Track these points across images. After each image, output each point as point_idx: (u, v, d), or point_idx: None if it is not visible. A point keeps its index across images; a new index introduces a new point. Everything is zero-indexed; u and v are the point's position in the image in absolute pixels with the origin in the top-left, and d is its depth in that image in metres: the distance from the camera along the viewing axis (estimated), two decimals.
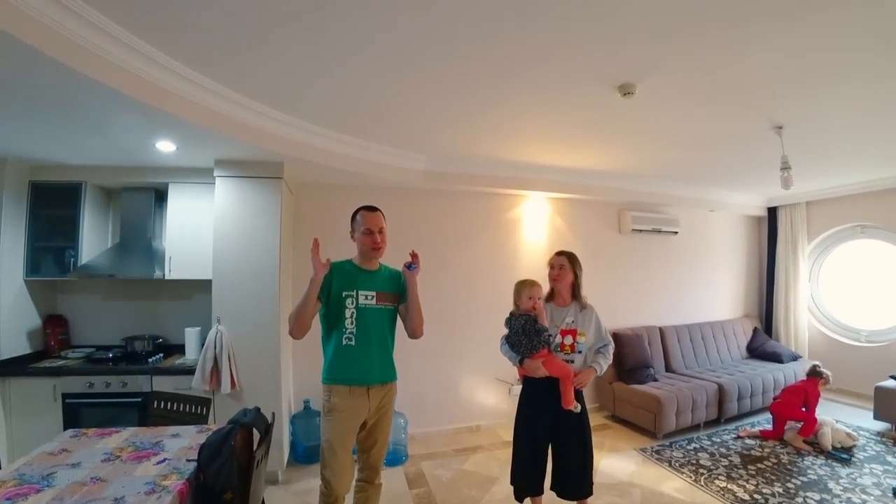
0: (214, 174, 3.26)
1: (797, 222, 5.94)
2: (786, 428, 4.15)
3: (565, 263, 2.69)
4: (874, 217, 5.30)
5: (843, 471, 3.51)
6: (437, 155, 3.98)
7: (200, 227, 3.40)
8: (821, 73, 2.45)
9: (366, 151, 3.63)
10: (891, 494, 3.14)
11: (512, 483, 2.73)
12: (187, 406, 2.67)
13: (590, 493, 2.69)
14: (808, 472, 3.50)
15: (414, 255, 2.33)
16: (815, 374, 4.23)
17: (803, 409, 4.08)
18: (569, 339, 2.61)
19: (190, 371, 3.14)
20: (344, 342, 2.16)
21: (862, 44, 2.14)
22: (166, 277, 3.43)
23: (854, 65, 2.36)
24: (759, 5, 1.84)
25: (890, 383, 4.36)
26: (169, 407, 2.67)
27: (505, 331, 2.70)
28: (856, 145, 3.77)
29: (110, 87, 2.03)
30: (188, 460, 1.93)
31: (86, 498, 1.58)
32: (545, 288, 2.77)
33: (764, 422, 4.51)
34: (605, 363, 2.65)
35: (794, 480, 3.35)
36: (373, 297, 2.23)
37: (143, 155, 3.15)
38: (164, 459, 1.95)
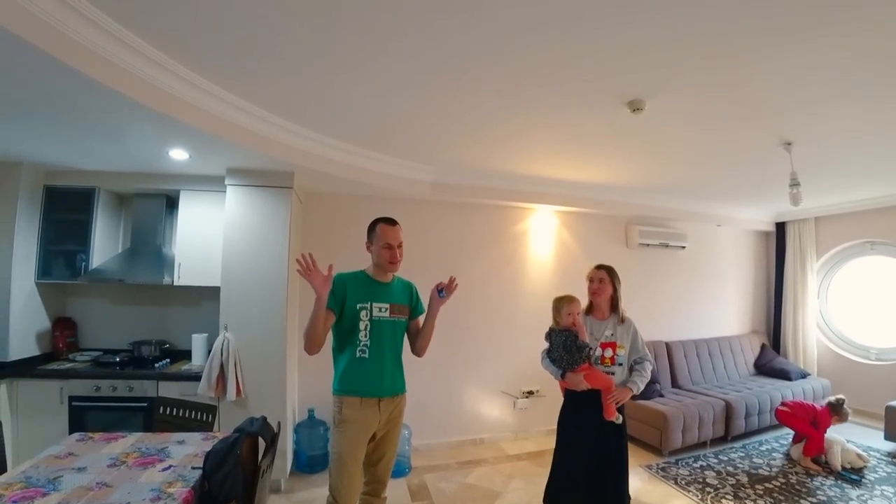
0: (226, 182, 3.30)
1: (806, 238, 5.90)
2: (792, 444, 4.09)
3: (605, 277, 2.75)
4: (884, 233, 5.25)
5: (854, 492, 3.45)
6: (446, 167, 4.01)
7: (210, 234, 3.44)
8: (827, 93, 2.46)
9: (375, 163, 3.66)
10: None
11: (547, 494, 2.75)
12: (193, 412, 2.68)
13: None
14: (818, 492, 3.44)
15: (451, 282, 2.35)
16: (834, 407, 4.02)
17: (811, 425, 3.98)
18: (609, 352, 2.65)
19: (196, 377, 3.15)
20: (358, 354, 2.16)
21: (866, 64, 2.16)
22: (175, 283, 3.46)
23: (860, 84, 2.37)
24: (766, 29, 1.86)
25: None
26: (174, 413, 2.68)
27: (545, 344, 2.77)
28: (864, 162, 3.76)
29: (125, 96, 2.06)
30: (193, 468, 1.93)
31: (91, 503, 1.59)
32: (584, 301, 2.81)
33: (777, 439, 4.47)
34: (640, 382, 2.66)
35: (802, 501, 3.30)
36: (387, 309, 2.23)
37: (156, 162, 3.20)
38: (170, 466, 1.96)
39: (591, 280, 2.78)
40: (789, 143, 3.23)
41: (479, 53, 2.10)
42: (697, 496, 3.37)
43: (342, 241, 3.88)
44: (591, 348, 2.61)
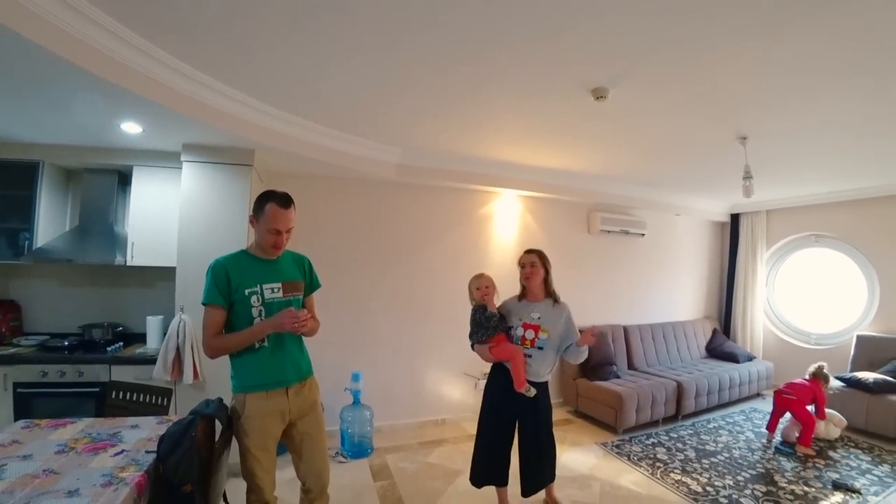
0: (182, 159, 3.17)
1: (757, 229, 6.20)
2: (781, 425, 4.26)
3: (536, 261, 2.76)
4: (828, 227, 5.58)
5: (789, 464, 3.71)
6: (412, 149, 3.97)
7: (165, 213, 3.30)
8: (783, 91, 2.57)
9: (339, 142, 3.59)
10: (830, 487, 3.34)
11: (471, 471, 2.81)
12: (148, 396, 2.61)
13: (551, 480, 2.82)
14: (757, 465, 3.68)
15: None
16: (821, 376, 4.21)
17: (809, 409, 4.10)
18: (530, 334, 2.68)
19: (151, 361, 3.05)
20: (256, 345, 1.98)
21: (820, 67, 2.26)
22: (128, 264, 3.32)
23: (813, 85, 2.49)
24: (727, 26, 1.92)
25: (835, 384, 4.61)
26: (128, 397, 2.60)
27: None
28: (813, 159, 3.96)
29: (71, 62, 1.93)
30: (147, 452, 1.88)
31: (37, 491, 1.53)
32: (515, 288, 2.84)
33: (738, 418, 4.74)
34: (581, 357, 2.73)
35: (743, 473, 3.52)
36: (279, 289, 2.04)
37: (107, 135, 3.04)
38: (122, 451, 1.90)
39: (522, 265, 2.81)
40: (745, 138, 3.36)
41: (447, 39, 2.08)
42: (648, 471, 3.55)
43: (304, 222, 3.81)
44: (496, 318, 2.68)
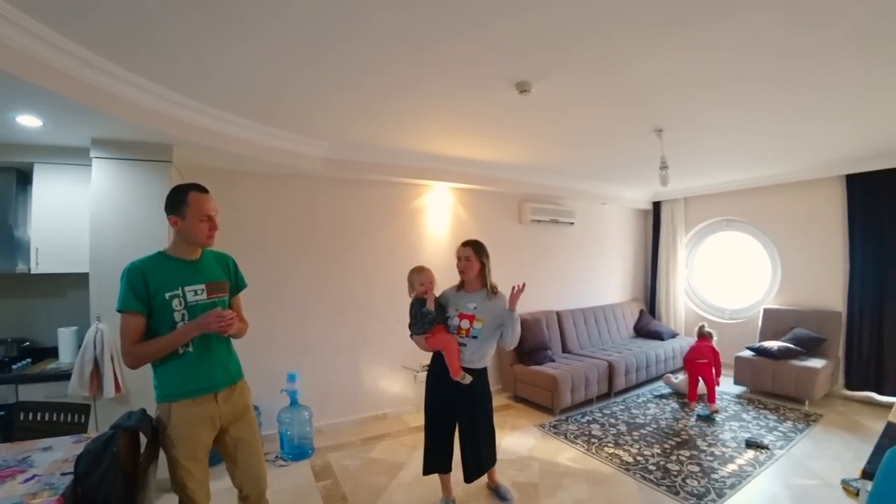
0: (91, 155, 2.92)
1: (677, 216, 6.68)
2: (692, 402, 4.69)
3: (471, 254, 2.80)
4: (737, 212, 6.13)
5: (709, 429, 4.05)
6: (340, 143, 3.90)
7: (74, 214, 3.04)
8: (694, 85, 2.76)
9: (264, 136, 3.45)
10: (743, 445, 3.69)
11: (424, 462, 2.85)
12: (62, 415, 2.39)
13: (492, 464, 2.91)
14: (682, 433, 3.99)
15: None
16: (706, 334, 4.76)
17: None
18: (465, 324, 2.74)
19: (65, 376, 2.81)
20: (181, 351, 1.87)
21: (728, 64, 2.45)
22: (33, 272, 3.03)
23: (721, 81, 2.69)
24: (641, 23, 2.02)
25: (746, 353, 5.09)
26: (39, 418, 2.37)
27: None
28: (722, 150, 4.30)
29: None
30: (63, 474, 1.74)
31: None
32: (454, 276, 2.88)
33: (665, 391, 5.13)
34: (515, 328, 2.72)
35: (669, 441, 3.81)
36: (202, 291, 1.94)
37: (1, 129, 2.74)
38: (34, 476, 1.74)
39: (458, 258, 2.84)
40: (660, 130, 3.60)
41: (373, 30, 2.06)
42: (584, 447, 3.75)
43: (230, 220, 3.66)
44: (433, 314, 2.74)
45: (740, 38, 2.17)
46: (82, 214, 2.98)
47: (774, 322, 5.40)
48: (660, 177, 3.79)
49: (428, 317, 2.73)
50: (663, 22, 2.03)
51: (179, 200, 1.90)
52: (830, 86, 2.78)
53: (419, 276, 2.79)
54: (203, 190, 1.95)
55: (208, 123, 3.05)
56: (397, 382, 4.63)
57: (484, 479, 2.99)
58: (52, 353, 3.21)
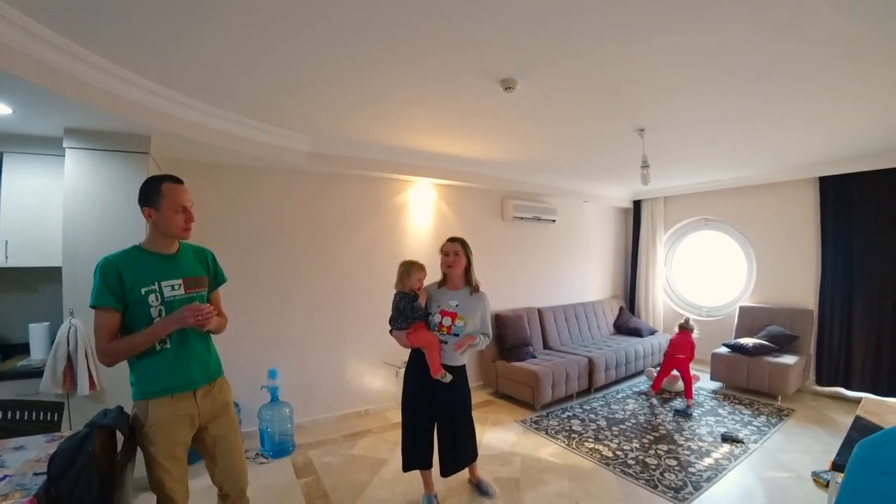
0: (64, 145, 2.82)
1: (657, 215, 6.79)
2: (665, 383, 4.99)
3: (459, 250, 2.80)
4: (715, 212, 6.25)
5: (686, 424, 4.14)
6: (323, 137, 3.85)
7: (46, 206, 2.94)
8: (675, 86, 2.80)
9: (245, 129, 3.39)
10: (719, 440, 3.78)
11: (402, 459, 2.84)
12: (34, 413, 2.31)
13: (472, 460, 2.92)
14: (660, 427, 4.07)
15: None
16: (688, 327, 4.94)
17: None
18: (447, 321, 2.73)
19: (37, 373, 2.72)
20: (158, 347, 1.83)
21: (708, 64, 2.48)
22: (2, 265, 2.92)
23: (701, 82, 2.72)
24: (624, 23, 2.04)
25: (722, 350, 5.20)
26: (10, 416, 2.29)
27: None
28: (701, 151, 4.38)
29: None
30: (36, 474, 1.68)
31: None
32: (437, 274, 2.88)
33: (644, 386, 5.31)
34: (485, 340, 2.78)
35: (648, 436, 3.88)
36: (180, 286, 1.90)
37: None
38: (5, 477, 1.68)
39: (445, 253, 2.82)
40: (642, 130, 3.64)
41: (357, 23, 2.03)
42: (564, 442, 3.79)
43: (210, 213, 3.60)
44: (422, 310, 2.73)
45: (721, 45, 2.22)
46: (55, 206, 2.88)
47: (750, 319, 5.53)
48: (641, 175, 3.84)
49: (417, 311, 2.71)
50: (643, 20, 2.05)
51: (153, 191, 1.86)
52: (805, 95, 2.87)
53: (418, 273, 2.76)
54: (177, 181, 1.92)
55: (188, 114, 2.97)
56: (379, 378, 4.61)
57: (466, 474, 3.01)
58: (24, 349, 3.10)
